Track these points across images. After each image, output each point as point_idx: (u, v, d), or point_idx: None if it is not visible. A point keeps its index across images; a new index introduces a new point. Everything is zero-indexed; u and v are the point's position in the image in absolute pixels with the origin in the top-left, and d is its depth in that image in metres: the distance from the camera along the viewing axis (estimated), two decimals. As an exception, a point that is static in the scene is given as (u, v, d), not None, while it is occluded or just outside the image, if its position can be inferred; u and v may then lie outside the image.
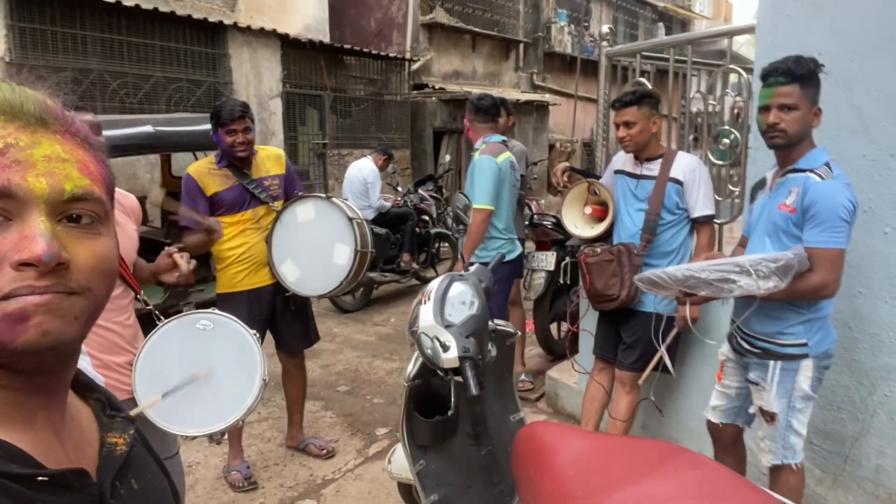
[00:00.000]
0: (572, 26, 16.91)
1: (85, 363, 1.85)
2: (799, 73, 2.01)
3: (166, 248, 2.19)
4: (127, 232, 2.06)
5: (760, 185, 2.33)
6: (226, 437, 3.17)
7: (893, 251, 2.30)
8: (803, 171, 2.07)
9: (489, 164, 3.44)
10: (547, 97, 14.64)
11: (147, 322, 2.13)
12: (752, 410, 2.27)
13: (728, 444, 2.43)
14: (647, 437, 3.27)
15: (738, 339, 2.24)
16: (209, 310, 2.20)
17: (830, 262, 1.98)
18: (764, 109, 2.08)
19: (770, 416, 2.15)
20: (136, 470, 0.71)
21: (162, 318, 2.09)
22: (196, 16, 7.71)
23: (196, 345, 2.08)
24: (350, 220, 3.00)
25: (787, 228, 2.08)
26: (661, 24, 21.58)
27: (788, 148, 2.09)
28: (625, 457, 1.74)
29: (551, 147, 15.16)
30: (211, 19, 7.91)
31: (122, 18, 7.29)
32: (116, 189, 1.96)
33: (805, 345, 2.11)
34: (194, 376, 1.99)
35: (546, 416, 3.87)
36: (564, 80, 16.40)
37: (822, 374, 2.16)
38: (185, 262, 2.12)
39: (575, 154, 15.86)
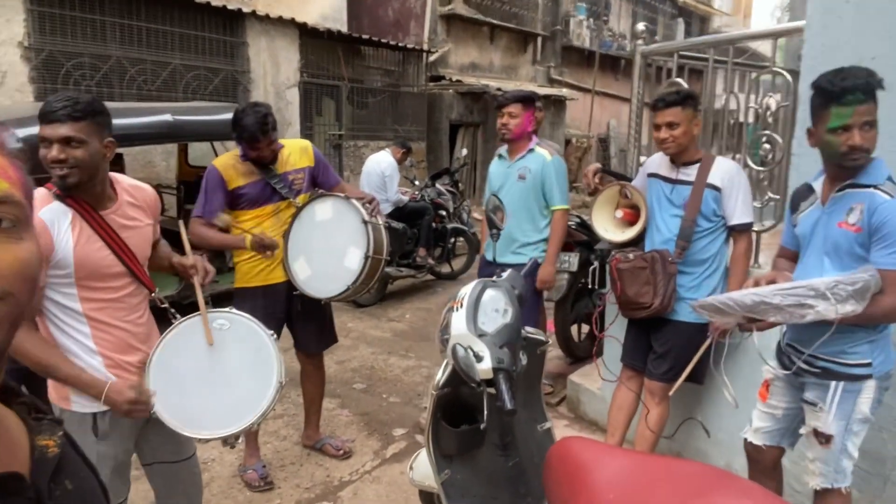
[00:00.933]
0: (591, 20, 16.72)
1: (96, 363, 1.85)
2: (874, 88, 1.90)
3: (196, 256, 2.12)
4: (141, 229, 1.98)
5: (804, 194, 2.19)
6: (241, 440, 3.13)
7: (947, 267, 2.19)
8: (865, 186, 1.95)
9: (564, 165, 3.49)
10: (564, 91, 14.48)
11: (162, 319, 2.07)
12: (803, 431, 2.16)
13: (769, 466, 2.33)
14: (674, 446, 3.19)
15: (793, 357, 2.13)
16: (227, 309, 2.14)
17: None
18: (843, 129, 1.92)
19: (826, 439, 2.05)
20: (69, 471, 0.71)
21: (178, 316, 2.03)
22: (215, 3, 7.63)
23: (212, 345, 2.01)
24: (365, 223, 2.91)
25: (851, 249, 1.97)
26: (680, 20, 21.32)
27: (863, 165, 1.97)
28: (669, 481, 1.66)
29: (567, 142, 15.00)
30: (229, 7, 7.84)
31: (141, 4, 7.23)
32: (131, 180, 1.88)
33: (870, 364, 2.01)
34: None
35: (567, 422, 3.80)
36: (582, 75, 16.23)
37: (882, 395, 2.06)
38: (202, 273, 2.06)
39: (591, 150, 15.71)
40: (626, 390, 2.97)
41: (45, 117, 1.74)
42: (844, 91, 1.89)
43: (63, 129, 1.72)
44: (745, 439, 2.34)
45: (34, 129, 1.80)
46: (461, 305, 2.06)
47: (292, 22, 8.63)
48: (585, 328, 4.67)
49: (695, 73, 3.91)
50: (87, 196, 1.83)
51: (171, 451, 2.08)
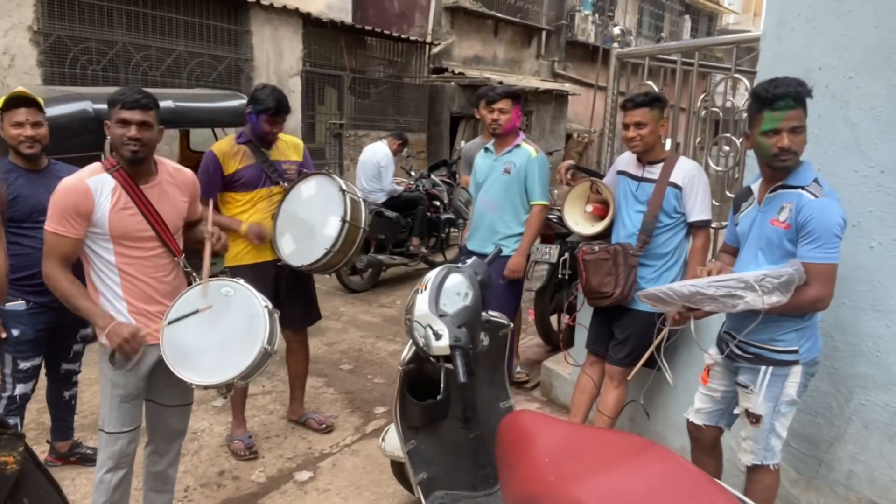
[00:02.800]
0: (597, 15, 16.76)
1: (122, 307, 2.20)
2: (803, 97, 2.07)
3: (215, 228, 2.48)
4: (174, 203, 2.34)
5: (744, 196, 2.38)
6: (229, 399, 3.35)
7: (878, 265, 2.37)
8: (794, 187, 2.12)
9: (547, 162, 3.62)
10: (567, 86, 14.60)
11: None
12: (737, 412, 2.35)
13: (708, 445, 2.52)
14: (634, 431, 3.38)
15: (728, 343, 2.31)
16: (235, 279, 2.39)
17: (826, 276, 2.05)
18: (773, 133, 2.08)
19: (756, 419, 2.23)
20: (29, 488, 0.68)
21: (198, 278, 2.33)
22: (220, -9, 7.80)
23: (216, 307, 2.26)
24: (343, 192, 3.09)
25: (781, 244, 2.14)
26: (687, 17, 21.32)
27: (793, 168, 2.14)
28: (598, 448, 1.85)
29: (568, 137, 15.13)
30: (234, -5, 8.01)
31: (148, -9, 7.40)
32: (173, 163, 2.24)
33: (796, 352, 2.18)
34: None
35: (539, 405, 3.99)
36: (586, 70, 16.31)
37: (808, 380, 2.24)
38: (216, 238, 2.43)
39: (592, 144, 15.82)
40: (587, 375, 3.16)
41: (126, 105, 2.13)
42: (776, 98, 2.06)
43: (141, 115, 2.14)
44: (688, 419, 2.53)
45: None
46: (426, 288, 2.25)
47: (296, 11, 8.79)
48: (565, 318, 4.85)
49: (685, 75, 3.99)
50: (137, 170, 2.21)
51: (165, 395, 2.40)
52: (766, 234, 2.19)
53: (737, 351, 2.28)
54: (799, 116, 2.06)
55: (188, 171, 2.46)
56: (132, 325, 2.16)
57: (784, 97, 2.05)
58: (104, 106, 2.27)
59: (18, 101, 2.68)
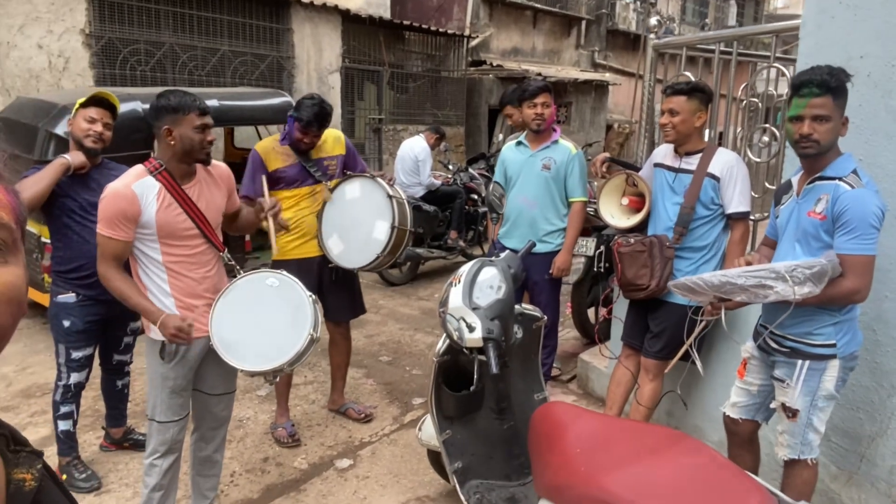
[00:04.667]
0: (638, 3, 16.46)
1: (169, 303, 2.30)
2: (833, 86, 2.04)
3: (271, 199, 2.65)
4: (214, 200, 2.43)
5: (785, 189, 2.36)
6: (273, 389, 3.46)
7: (922, 258, 2.32)
8: (832, 178, 2.10)
9: (585, 159, 3.63)
10: (607, 76, 14.39)
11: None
12: (773, 406, 2.33)
13: (745, 439, 2.51)
14: (671, 424, 3.37)
15: (766, 337, 2.29)
16: (279, 270, 2.49)
17: (862, 268, 2.02)
18: (796, 119, 2.09)
19: (792, 413, 2.21)
20: None
21: (241, 271, 2.44)
22: (262, -9, 7.97)
23: (262, 298, 2.37)
24: (390, 197, 3.17)
25: (818, 235, 2.12)
26: (732, 2, 20.73)
27: (817, 157, 2.12)
28: (630, 440, 1.87)
29: (609, 128, 14.94)
30: (276, -6, 8.17)
31: (193, -7, 7.61)
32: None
33: (834, 345, 2.15)
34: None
35: (576, 398, 4.00)
36: (627, 59, 16.06)
37: (846, 374, 2.21)
38: (272, 206, 2.59)
39: (633, 135, 15.58)
40: (623, 367, 3.17)
41: (203, 111, 2.27)
42: (802, 85, 2.07)
43: (210, 120, 2.30)
44: (724, 413, 2.51)
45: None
46: (459, 281, 2.30)
47: (335, 9, 8.91)
48: (604, 314, 4.83)
49: (740, 64, 3.86)
50: (180, 171, 2.30)
51: (210, 384, 2.52)
52: (803, 225, 2.17)
53: (773, 344, 2.27)
54: (825, 105, 2.04)
55: (222, 165, 2.55)
56: (180, 317, 2.26)
57: (808, 84, 2.05)
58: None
59: (100, 100, 2.84)
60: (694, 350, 2.49)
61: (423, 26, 10.53)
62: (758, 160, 3.21)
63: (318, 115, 3.16)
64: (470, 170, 7.59)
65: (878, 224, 2.02)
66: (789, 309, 2.08)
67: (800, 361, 2.19)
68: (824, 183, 2.12)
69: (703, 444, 1.82)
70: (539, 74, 11.17)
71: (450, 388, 2.50)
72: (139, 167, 2.28)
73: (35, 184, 2.68)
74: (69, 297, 2.87)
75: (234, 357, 2.28)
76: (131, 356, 3.25)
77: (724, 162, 2.87)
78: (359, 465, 3.26)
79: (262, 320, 2.35)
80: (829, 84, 2.03)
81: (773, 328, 2.25)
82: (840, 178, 2.08)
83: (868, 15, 2.41)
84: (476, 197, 7.29)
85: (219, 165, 2.53)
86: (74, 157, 2.78)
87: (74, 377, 2.95)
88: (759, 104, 3.21)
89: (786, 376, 2.23)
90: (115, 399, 3.27)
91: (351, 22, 9.29)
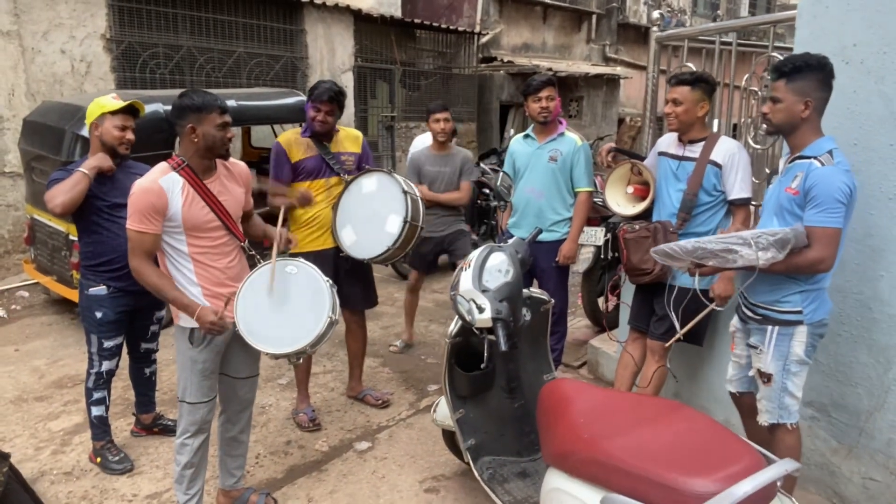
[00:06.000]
0: (649, -4, 16.46)
1: (196, 292, 2.45)
2: (784, 70, 2.26)
3: (282, 229, 2.76)
4: (233, 194, 2.56)
5: (776, 171, 2.54)
6: (294, 376, 3.59)
7: (915, 237, 2.41)
8: (808, 157, 2.28)
9: (590, 150, 3.73)
10: (618, 70, 14.42)
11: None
12: (751, 374, 2.49)
13: (750, 410, 2.62)
14: (679, 404, 3.47)
15: (742, 307, 2.47)
16: (297, 258, 2.63)
17: (827, 239, 2.18)
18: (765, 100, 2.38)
19: (767, 378, 2.38)
20: None
21: (261, 261, 2.58)
22: (275, -7, 8.13)
23: (283, 284, 2.51)
24: (405, 192, 3.30)
25: (791, 209, 2.30)
26: (745, -7, 20.59)
27: (777, 134, 2.39)
28: (630, 410, 1.99)
29: (620, 121, 14.97)
30: (289, -4, 8.32)
31: (209, -3, 7.79)
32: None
33: (800, 312, 2.32)
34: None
35: (586, 382, 4.11)
36: (638, 53, 16.06)
37: (816, 341, 2.37)
38: (283, 240, 2.72)
39: (645, 129, 15.58)
40: (630, 351, 3.28)
41: (225, 109, 2.41)
42: (770, 70, 2.37)
43: (229, 118, 2.44)
44: (728, 389, 2.64)
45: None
46: (469, 266, 2.42)
47: (347, 9, 9.06)
48: (613, 300, 4.93)
49: (741, 55, 3.94)
50: (201, 166, 2.44)
51: (236, 368, 2.68)
52: (780, 200, 2.35)
53: (748, 313, 2.45)
54: (778, 87, 2.29)
55: (241, 164, 2.69)
56: (214, 308, 2.40)
57: (771, 70, 2.34)
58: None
59: (132, 109, 3.03)
60: (673, 314, 2.78)
61: (434, 24, 10.65)
62: (757, 147, 3.29)
63: (328, 90, 3.33)
64: (482, 165, 7.70)
65: (843, 199, 2.17)
66: (754, 274, 2.25)
67: (770, 327, 2.36)
68: (802, 162, 2.30)
69: (700, 413, 1.93)
70: (550, 69, 11.25)
71: (462, 369, 2.62)
72: (163, 164, 2.42)
73: (70, 189, 2.83)
74: (100, 289, 3.03)
75: (259, 341, 2.42)
76: (157, 344, 3.41)
77: (726, 150, 2.96)
78: (377, 447, 3.39)
79: (283, 306, 2.49)
80: (781, 69, 2.27)
81: (746, 295, 2.44)
82: (815, 157, 2.25)
83: (861, 4, 2.50)
84: (488, 191, 7.39)
85: (238, 164, 2.67)
86: (103, 161, 2.94)
87: (106, 365, 3.11)
88: (759, 92, 3.29)
89: (759, 343, 2.41)
90: (144, 386, 3.43)
91: (363, 21, 9.43)
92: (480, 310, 2.28)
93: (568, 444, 1.95)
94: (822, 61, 2.25)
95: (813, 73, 2.25)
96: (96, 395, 3.15)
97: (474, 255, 2.48)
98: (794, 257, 2.19)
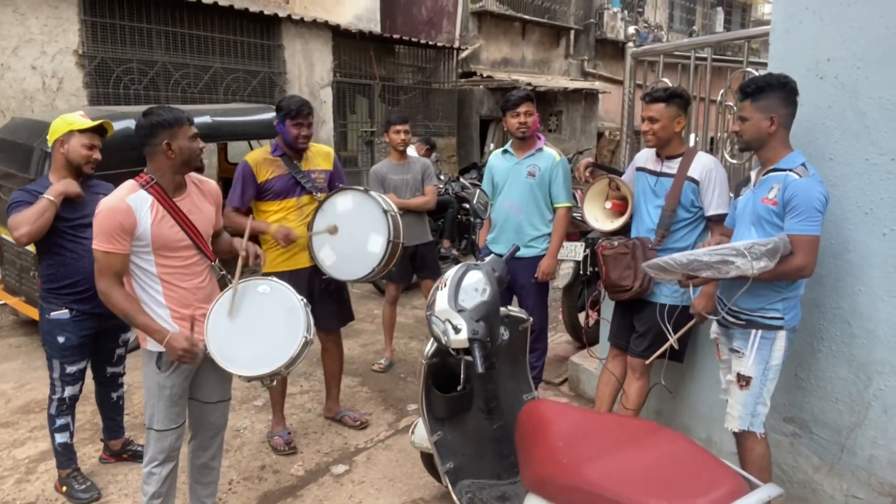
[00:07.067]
0: (626, 12, 16.68)
1: (164, 314, 2.35)
2: (747, 91, 2.39)
3: (249, 243, 2.65)
4: (204, 212, 2.49)
5: (745, 182, 2.62)
6: (269, 398, 3.49)
7: (892, 251, 2.40)
8: (783, 170, 2.36)
9: (568, 165, 3.72)
10: (597, 85, 14.57)
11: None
12: (730, 377, 2.53)
13: None
14: (660, 422, 3.43)
15: (724, 314, 2.53)
16: (270, 278, 2.56)
17: (808, 246, 2.28)
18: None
19: (746, 381, 2.44)
20: None
21: (232, 280, 2.48)
22: (253, 9, 8.08)
23: (255, 305, 2.43)
24: (385, 212, 3.25)
25: (770, 219, 2.37)
26: (720, 9, 20.99)
27: (749, 150, 2.47)
28: (610, 431, 1.95)
29: (600, 135, 15.09)
30: (266, 12, 8.28)
31: (185, 12, 7.72)
32: (198, 175, 2.47)
33: (782, 318, 2.42)
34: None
35: (568, 399, 4.07)
36: (616, 68, 16.23)
37: (789, 346, 2.46)
38: (252, 255, 2.59)
39: (623, 143, 15.70)
40: (611, 367, 3.24)
41: (192, 121, 2.37)
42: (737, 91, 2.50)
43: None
44: (725, 398, 2.64)
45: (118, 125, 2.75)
46: (445, 285, 2.37)
47: (326, 24, 9.04)
48: (593, 315, 4.90)
49: (716, 70, 3.98)
50: (173, 183, 2.37)
51: (206, 392, 2.58)
52: (757, 211, 2.42)
53: (731, 319, 2.50)
54: (744, 107, 2.41)
55: (211, 182, 2.61)
56: (186, 334, 2.31)
57: (737, 92, 2.48)
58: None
59: (102, 129, 2.95)
60: (667, 325, 2.79)
61: (414, 40, 10.67)
62: (733, 161, 3.30)
63: (301, 102, 3.30)
64: (462, 179, 7.70)
65: (822, 209, 2.28)
66: (746, 285, 2.31)
67: (753, 331, 2.44)
68: (776, 174, 2.38)
69: (680, 434, 1.89)
70: (529, 84, 11.31)
71: (440, 390, 2.56)
72: (130, 182, 2.33)
73: (36, 219, 2.74)
74: (63, 313, 2.92)
75: (231, 364, 2.34)
76: (124, 367, 3.30)
77: (703, 165, 2.95)
78: (354, 470, 3.31)
79: (256, 326, 2.41)
80: (746, 90, 2.39)
81: (727, 302, 2.49)
82: (790, 170, 2.34)
83: (834, 19, 2.50)
84: (468, 206, 7.38)
85: (208, 182, 2.59)
86: (70, 188, 2.84)
87: (69, 390, 3.00)
88: (735, 107, 3.30)
89: (741, 347, 2.47)
90: (112, 411, 3.32)
91: (341, 37, 9.42)
92: (456, 330, 2.23)
93: (547, 469, 1.90)
94: (782, 80, 2.37)
95: (775, 91, 2.36)
96: (60, 422, 3.04)
97: (450, 273, 2.43)
98: (781, 265, 2.26)
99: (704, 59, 3.28)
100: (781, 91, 2.36)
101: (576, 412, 2.17)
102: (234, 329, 2.38)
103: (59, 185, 2.82)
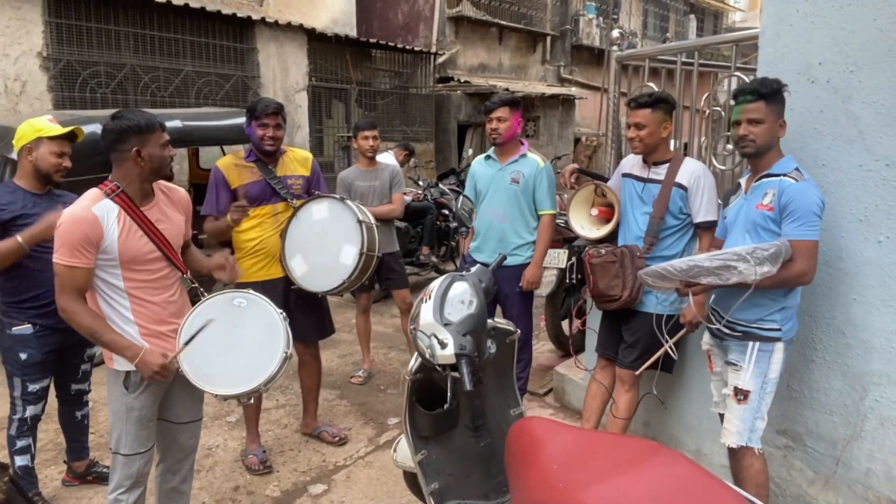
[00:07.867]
0: (601, 19, 16.77)
1: (133, 331, 2.19)
2: (763, 92, 2.29)
3: (226, 254, 2.53)
4: (174, 221, 2.35)
5: (734, 190, 2.56)
6: (243, 414, 3.34)
7: (887, 260, 2.35)
8: (777, 175, 2.31)
9: (553, 171, 3.63)
10: (573, 90, 14.59)
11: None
12: (726, 391, 2.45)
13: None
14: (648, 434, 3.35)
15: (718, 324, 2.45)
16: (246, 290, 2.41)
17: (808, 251, 2.23)
18: (735, 124, 2.36)
19: (744, 395, 2.36)
20: None
21: (205, 293, 2.34)
22: (225, 11, 7.90)
23: (230, 319, 2.29)
24: (360, 222, 3.13)
25: (766, 225, 2.32)
26: (692, 17, 21.25)
27: (758, 156, 2.35)
28: (607, 453, 1.84)
29: (577, 141, 15.11)
30: (240, 14, 8.10)
31: (154, 14, 7.51)
32: (163, 182, 2.30)
33: (780, 330, 2.35)
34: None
35: (552, 411, 3.97)
36: (592, 74, 16.31)
37: (786, 359, 2.39)
38: (230, 273, 2.49)
39: (601, 148, 15.77)
40: (598, 379, 3.14)
41: (163, 127, 2.24)
42: (739, 93, 2.37)
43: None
44: (716, 412, 2.59)
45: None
46: (430, 297, 2.25)
47: (301, 28, 8.88)
48: (578, 324, 4.82)
49: (702, 75, 3.92)
50: (141, 192, 2.23)
51: (177, 413, 2.43)
52: (752, 217, 2.36)
53: (726, 330, 2.42)
54: (758, 109, 2.29)
55: (180, 189, 2.49)
56: (160, 351, 2.18)
57: (743, 93, 2.33)
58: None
59: (72, 136, 2.79)
60: (673, 351, 2.67)
61: (390, 44, 10.56)
62: (722, 168, 3.24)
63: (271, 102, 3.16)
64: (440, 185, 7.60)
65: (819, 213, 2.23)
66: (744, 294, 2.25)
67: (751, 343, 2.36)
68: (770, 180, 2.33)
69: (681, 455, 1.79)
70: (506, 89, 11.25)
71: (424, 407, 2.44)
72: (94, 190, 2.18)
73: (2, 260, 2.63)
74: (25, 328, 2.75)
75: (207, 382, 2.20)
76: (89, 384, 3.13)
77: (691, 172, 2.89)
78: (333, 490, 3.17)
79: (232, 342, 2.28)
80: (759, 91, 2.29)
81: (722, 313, 2.43)
82: (784, 174, 2.28)
83: (824, 23, 2.45)
84: (447, 212, 7.28)
85: (177, 189, 2.46)
86: (48, 235, 2.58)
87: (31, 410, 2.82)
88: (722, 113, 3.25)
89: (738, 360, 2.39)
90: (76, 431, 3.13)
91: (317, 41, 9.26)
92: (442, 345, 2.10)
93: (540, 494, 1.79)
94: (781, 84, 2.33)
95: (781, 95, 2.34)
96: (20, 444, 2.85)
97: (435, 285, 2.31)
98: (781, 271, 2.20)
99: (690, 64, 3.21)
100: (781, 95, 2.32)
101: (570, 431, 2.06)
102: (210, 344, 2.24)
103: (37, 230, 2.63)
